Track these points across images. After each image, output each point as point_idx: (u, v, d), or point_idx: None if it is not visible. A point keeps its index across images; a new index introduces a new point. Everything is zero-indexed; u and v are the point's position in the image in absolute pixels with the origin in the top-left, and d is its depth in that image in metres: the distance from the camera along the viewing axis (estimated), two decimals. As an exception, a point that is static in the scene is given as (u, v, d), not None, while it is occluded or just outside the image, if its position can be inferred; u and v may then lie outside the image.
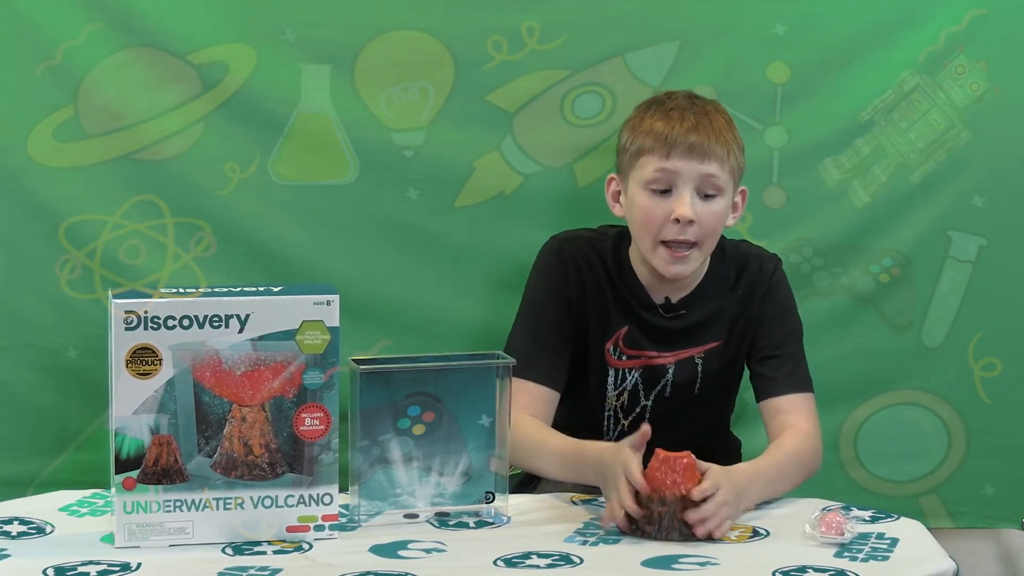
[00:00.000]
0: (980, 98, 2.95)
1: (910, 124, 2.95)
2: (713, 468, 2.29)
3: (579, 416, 2.67)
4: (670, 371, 2.65)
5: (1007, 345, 3.02)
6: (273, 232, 2.87)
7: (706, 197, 2.55)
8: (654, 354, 2.65)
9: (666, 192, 2.55)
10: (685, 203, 2.52)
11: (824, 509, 2.29)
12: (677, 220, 2.53)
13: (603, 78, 2.85)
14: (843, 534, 2.22)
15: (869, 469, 3.04)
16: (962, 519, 3.06)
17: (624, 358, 2.65)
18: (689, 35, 2.90)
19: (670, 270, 2.57)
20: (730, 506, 2.26)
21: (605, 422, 2.68)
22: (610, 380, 2.66)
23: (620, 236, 2.68)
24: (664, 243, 2.56)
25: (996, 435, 3.04)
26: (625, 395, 2.66)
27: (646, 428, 2.32)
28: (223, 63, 2.82)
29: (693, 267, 2.58)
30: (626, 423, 2.68)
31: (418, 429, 2.30)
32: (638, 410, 2.67)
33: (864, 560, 2.15)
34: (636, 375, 2.65)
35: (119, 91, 2.81)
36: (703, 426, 2.69)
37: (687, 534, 2.22)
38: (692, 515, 2.23)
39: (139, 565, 2.10)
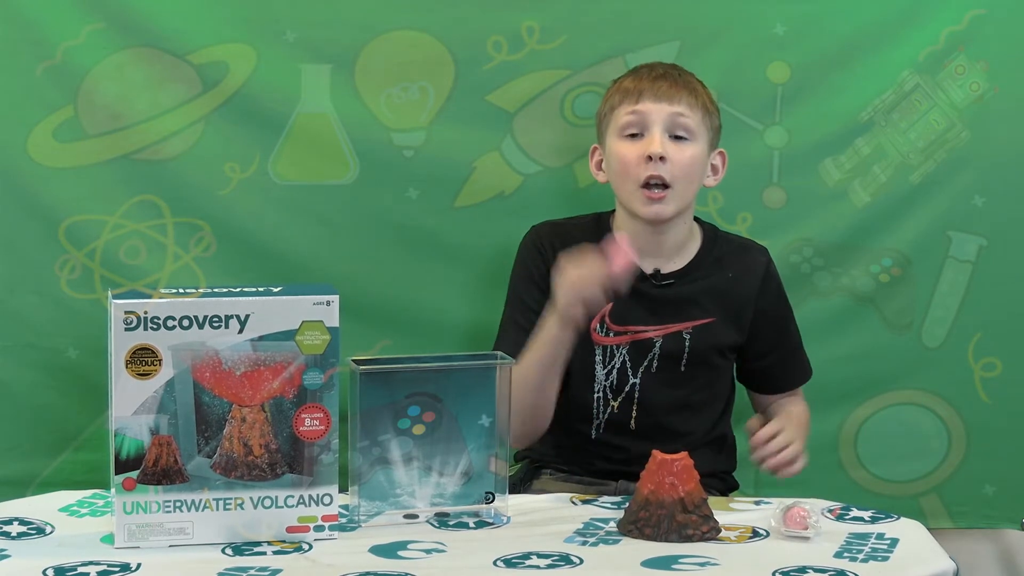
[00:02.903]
0: (980, 98, 2.95)
1: (910, 124, 2.95)
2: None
3: (568, 400, 2.68)
4: (657, 344, 2.67)
5: (1007, 345, 3.02)
6: (273, 232, 2.87)
7: (677, 139, 2.64)
8: (641, 328, 2.67)
9: (639, 136, 2.64)
10: (656, 140, 2.62)
11: (791, 504, 2.27)
12: (650, 157, 2.61)
13: (603, 78, 2.84)
14: (806, 528, 2.22)
15: (869, 469, 3.04)
16: (962, 519, 3.06)
17: (611, 334, 2.68)
18: (689, 35, 2.90)
19: (647, 211, 2.64)
20: (797, 443, 2.57)
21: (595, 404, 2.69)
22: (598, 359, 2.68)
23: (599, 215, 2.76)
24: (642, 187, 2.63)
25: (996, 435, 3.03)
26: (614, 374, 2.68)
27: None
28: (223, 63, 2.82)
29: (670, 209, 2.64)
30: (615, 404, 2.69)
31: (418, 429, 2.30)
32: (627, 389, 2.68)
33: (864, 560, 2.15)
34: (624, 351, 2.68)
35: (119, 91, 2.81)
36: (695, 417, 2.70)
37: (686, 535, 2.22)
38: (762, 452, 2.53)
39: (139, 565, 2.10)
